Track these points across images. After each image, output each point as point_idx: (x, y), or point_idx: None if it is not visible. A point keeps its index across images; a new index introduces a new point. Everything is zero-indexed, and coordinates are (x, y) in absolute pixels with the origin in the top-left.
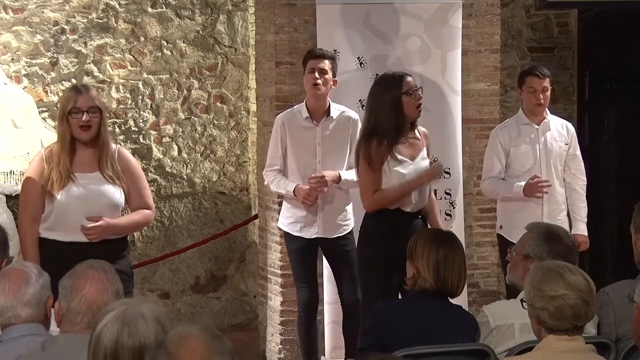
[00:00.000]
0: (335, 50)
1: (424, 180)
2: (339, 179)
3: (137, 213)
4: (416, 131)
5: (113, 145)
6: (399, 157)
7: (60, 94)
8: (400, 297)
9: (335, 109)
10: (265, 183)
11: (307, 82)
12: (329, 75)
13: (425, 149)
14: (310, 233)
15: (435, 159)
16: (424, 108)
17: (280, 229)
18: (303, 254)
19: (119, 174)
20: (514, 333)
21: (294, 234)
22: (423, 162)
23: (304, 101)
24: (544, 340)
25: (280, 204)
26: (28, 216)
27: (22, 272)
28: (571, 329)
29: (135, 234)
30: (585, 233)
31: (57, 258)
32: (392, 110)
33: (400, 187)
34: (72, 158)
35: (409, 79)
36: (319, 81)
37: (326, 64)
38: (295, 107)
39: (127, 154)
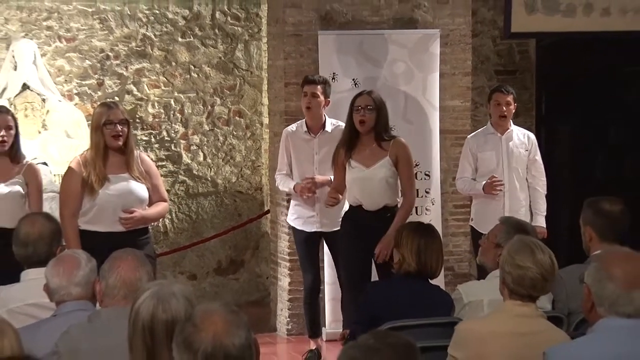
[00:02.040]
0: (334, 73)
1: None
2: (330, 182)
3: (158, 205)
4: (387, 143)
5: (135, 151)
6: (353, 163)
7: None
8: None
9: (330, 124)
10: (276, 184)
11: (302, 104)
12: (321, 98)
13: (387, 159)
14: (311, 228)
15: (417, 164)
16: (408, 121)
17: (288, 223)
18: (306, 245)
19: (143, 174)
20: (483, 307)
21: (298, 228)
22: (380, 169)
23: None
24: (502, 305)
25: (288, 201)
26: (69, 212)
27: (74, 257)
28: (527, 296)
29: (167, 226)
30: (544, 225)
31: (96, 247)
32: (347, 123)
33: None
34: (105, 162)
35: (362, 97)
36: (310, 105)
37: (318, 88)
38: (298, 122)
39: (147, 157)
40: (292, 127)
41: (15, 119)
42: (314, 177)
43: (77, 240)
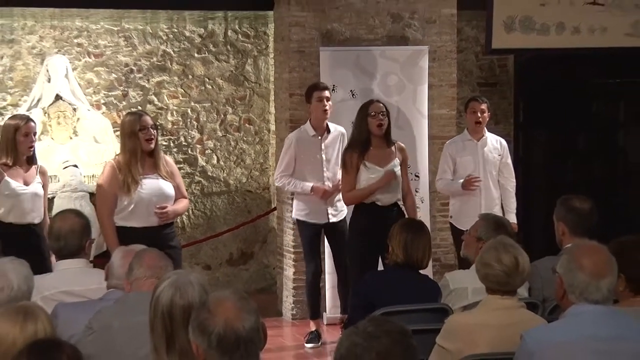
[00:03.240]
0: (333, 85)
1: (380, 183)
2: (338, 183)
3: (181, 201)
4: (393, 146)
5: (161, 153)
6: (368, 164)
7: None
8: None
9: (332, 127)
10: (278, 184)
11: (317, 108)
12: (331, 102)
13: (397, 159)
14: (320, 220)
15: (409, 166)
16: (400, 127)
17: (295, 218)
18: (313, 238)
19: (170, 173)
20: (467, 294)
21: (309, 221)
22: (395, 169)
23: (308, 121)
24: (485, 299)
25: (292, 200)
26: (107, 210)
27: (131, 253)
28: (499, 291)
29: (185, 221)
30: (515, 221)
31: (133, 240)
32: (360, 128)
33: (364, 189)
34: (141, 165)
35: (375, 104)
36: (326, 108)
37: (329, 93)
38: (301, 127)
39: (170, 159)
40: (296, 132)
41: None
42: (332, 185)
43: (115, 236)
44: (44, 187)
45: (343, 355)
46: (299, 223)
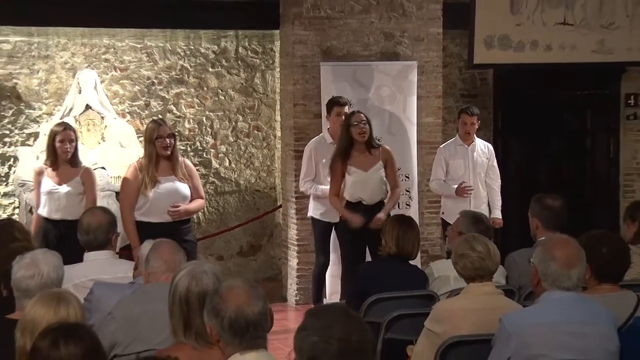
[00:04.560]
0: (333, 96)
1: (345, 214)
2: None
3: (197, 201)
4: (376, 150)
5: (180, 158)
6: (353, 169)
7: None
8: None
9: None
10: (302, 189)
11: (336, 121)
12: None
13: (380, 163)
14: (334, 219)
15: (399, 168)
16: (391, 134)
17: (311, 216)
18: (324, 234)
19: (186, 175)
20: (450, 281)
21: (324, 220)
22: (377, 172)
23: (327, 130)
24: (467, 287)
25: (297, 199)
26: (128, 207)
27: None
28: (477, 277)
29: (200, 218)
30: (500, 216)
31: (150, 234)
32: (344, 136)
33: (338, 208)
34: (156, 168)
35: (356, 115)
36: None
37: (348, 109)
38: (318, 136)
39: (189, 163)
40: (314, 141)
41: (76, 134)
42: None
43: (134, 229)
44: (86, 185)
45: (310, 358)
46: (313, 220)
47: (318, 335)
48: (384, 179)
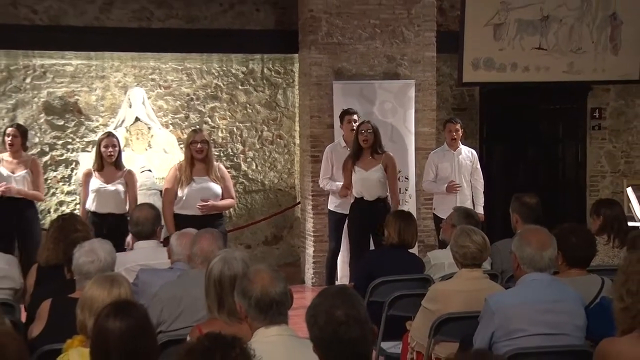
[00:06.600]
0: (343, 108)
1: (339, 192)
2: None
3: (227, 200)
4: (380, 155)
5: (215, 162)
6: (357, 168)
7: None
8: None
9: None
10: (321, 185)
11: (348, 127)
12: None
13: (380, 165)
14: (347, 211)
15: (400, 170)
16: (393, 141)
17: (328, 209)
18: (338, 224)
19: (219, 177)
20: (444, 267)
21: (338, 211)
22: (375, 173)
23: (342, 136)
24: (458, 272)
25: (313, 196)
26: (167, 200)
27: (190, 235)
28: (472, 265)
29: (232, 212)
30: (482, 212)
31: (186, 225)
32: (355, 142)
33: (342, 190)
34: (192, 169)
35: (363, 124)
36: (355, 127)
37: (357, 117)
38: (335, 141)
39: (223, 167)
40: (331, 146)
41: (118, 140)
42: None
43: (172, 220)
44: (128, 185)
45: (309, 330)
46: (330, 212)
47: (313, 311)
48: (381, 179)
